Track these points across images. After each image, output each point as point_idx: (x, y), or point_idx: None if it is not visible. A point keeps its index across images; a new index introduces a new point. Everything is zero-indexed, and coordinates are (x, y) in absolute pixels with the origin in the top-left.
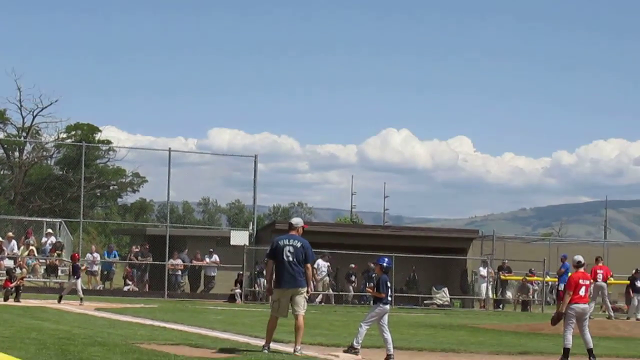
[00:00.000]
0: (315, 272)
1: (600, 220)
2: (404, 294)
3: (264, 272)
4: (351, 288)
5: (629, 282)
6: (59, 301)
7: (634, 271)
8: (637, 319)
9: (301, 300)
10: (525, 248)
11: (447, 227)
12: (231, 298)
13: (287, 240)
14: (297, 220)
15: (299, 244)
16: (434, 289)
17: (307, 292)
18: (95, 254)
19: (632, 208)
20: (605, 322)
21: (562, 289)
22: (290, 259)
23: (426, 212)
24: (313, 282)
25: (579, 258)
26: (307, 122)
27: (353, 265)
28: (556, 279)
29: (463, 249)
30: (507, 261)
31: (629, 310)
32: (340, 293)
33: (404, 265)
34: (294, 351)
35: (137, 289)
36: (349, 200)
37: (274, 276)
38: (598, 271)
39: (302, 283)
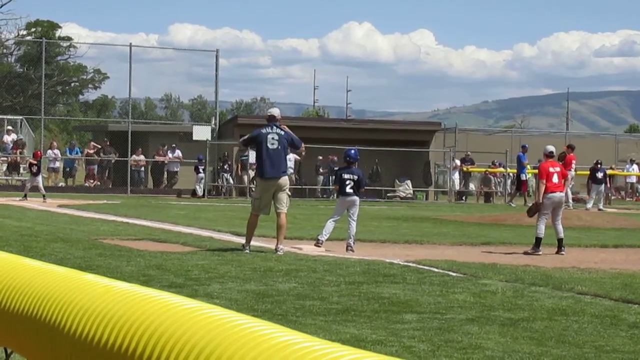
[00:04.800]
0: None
1: (561, 112)
2: (367, 187)
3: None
4: (319, 180)
5: (589, 172)
6: (25, 198)
7: (594, 162)
8: (599, 209)
9: (284, 197)
10: (487, 140)
11: (409, 120)
12: (193, 193)
13: (269, 129)
14: (277, 111)
15: (282, 132)
16: (397, 181)
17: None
18: (56, 151)
19: (593, 99)
20: (568, 212)
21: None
22: (275, 146)
23: (389, 105)
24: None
25: (551, 148)
26: (268, 16)
27: (320, 158)
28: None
29: (426, 142)
30: (469, 153)
31: (588, 202)
32: (304, 187)
33: (367, 159)
34: (276, 250)
35: (99, 184)
36: (312, 95)
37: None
38: (573, 161)
39: (283, 173)
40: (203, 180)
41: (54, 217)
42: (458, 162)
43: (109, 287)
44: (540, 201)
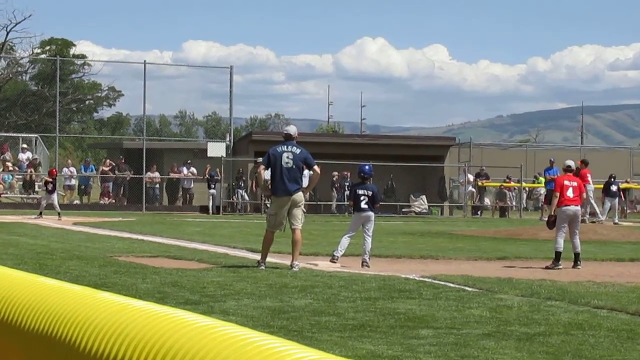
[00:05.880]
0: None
1: (576, 125)
2: (382, 203)
3: (256, 180)
4: (334, 196)
5: (603, 186)
6: (40, 216)
7: (609, 176)
8: (615, 223)
9: (299, 214)
10: (502, 155)
11: (424, 135)
12: (203, 209)
13: (285, 147)
14: (294, 129)
15: (298, 151)
16: (412, 196)
17: (305, 192)
18: (72, 168)
19: (608, 113)
20: (583, 226)
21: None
22: (290, 165)
23: (403, 120)
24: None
25: (569, 162)
26: (282, 32)
27: (336, 173)
28: (534, 185)
29: (441, 157)
30: (484, 168)
31: (603, 214)
32: (319, 203)
33: (382, 174)
34: (291, 266)
35: (114, 201)
36: (326, 111)
37: (268, 182)
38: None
39: (297, 190)
40: (215, 196)
41: (69, 234)
42: (471, 177)
43: (125, 305)
44: (553, 213)
